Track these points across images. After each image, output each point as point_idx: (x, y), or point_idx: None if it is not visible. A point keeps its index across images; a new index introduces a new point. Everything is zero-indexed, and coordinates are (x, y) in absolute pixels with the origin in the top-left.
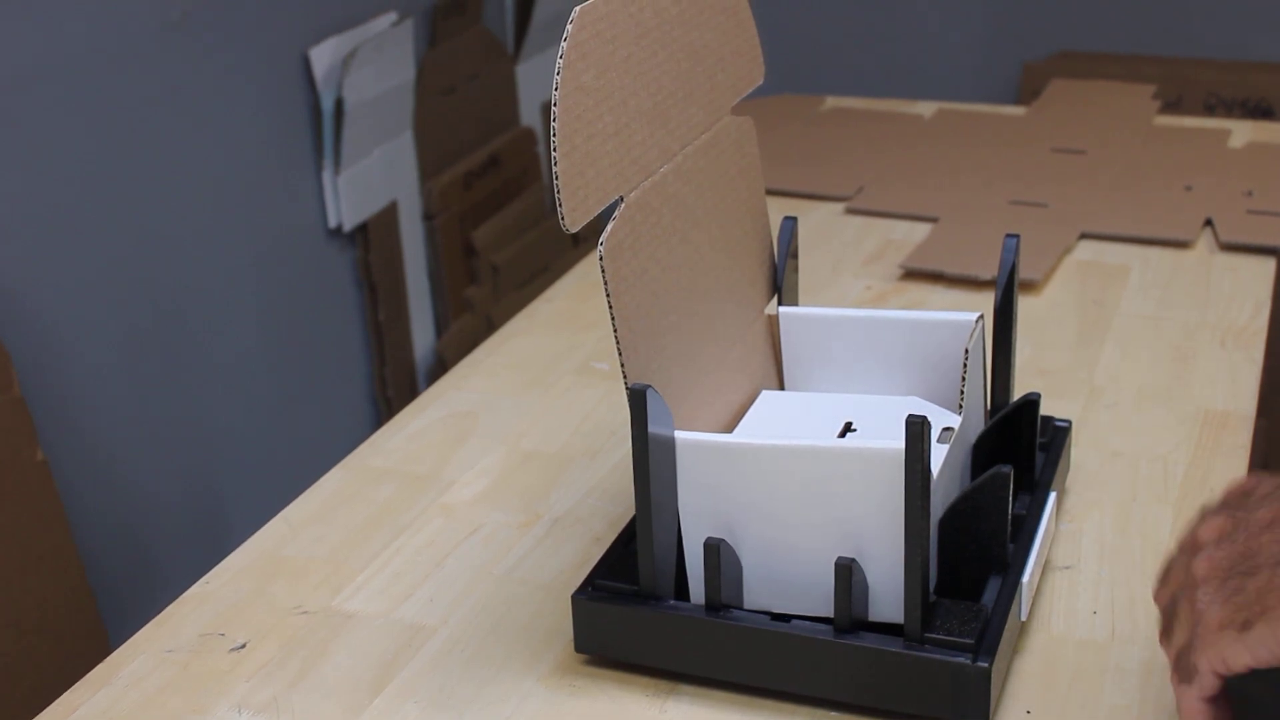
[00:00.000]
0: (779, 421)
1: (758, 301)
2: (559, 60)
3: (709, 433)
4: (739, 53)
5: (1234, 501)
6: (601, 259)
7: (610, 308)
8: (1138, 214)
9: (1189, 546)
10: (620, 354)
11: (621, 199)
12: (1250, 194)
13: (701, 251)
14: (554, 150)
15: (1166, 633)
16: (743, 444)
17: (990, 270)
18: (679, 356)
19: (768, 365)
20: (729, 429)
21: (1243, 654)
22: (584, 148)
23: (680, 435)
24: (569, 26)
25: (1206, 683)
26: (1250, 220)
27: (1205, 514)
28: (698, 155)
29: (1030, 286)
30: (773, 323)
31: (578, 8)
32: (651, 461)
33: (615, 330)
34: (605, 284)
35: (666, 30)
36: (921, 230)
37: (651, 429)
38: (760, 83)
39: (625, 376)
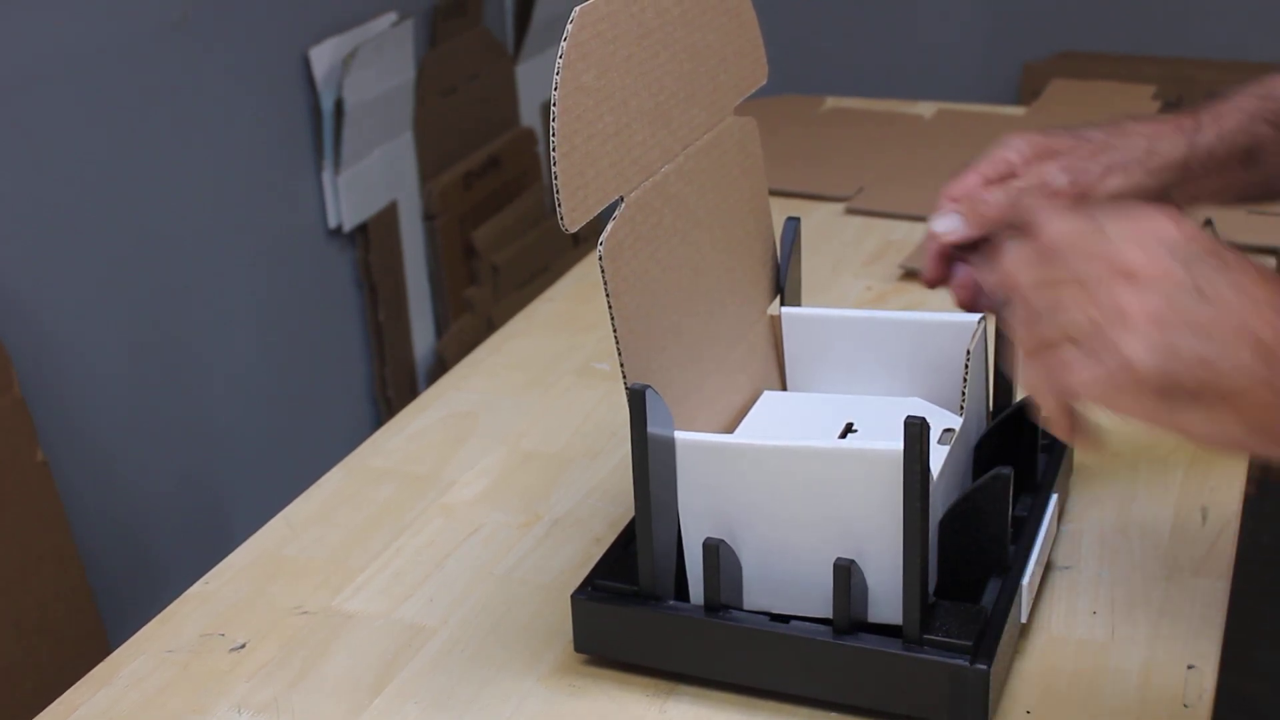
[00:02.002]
0: (780, 422)
1: (760, 302)
2: (559, 60)
3: (709, 433)
4: (741, 53)
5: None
6: (601, 259)
7: (610, 308)
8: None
9: (1106, 264)
10: (620, 354)
11: (622, 199)
12: None
13: (703, 252)
14: (554, 150)
15: (1031, 318)
16: (743, 444)
17: None
18: (679, 357)
19: (769, 365)
20: (730, 429)
21: (1138, 412)
22: (584, 148)
23: (680, 435)
24: (569, 26)
25: (1077, 400)
26: (1250, 220)
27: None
28: (700, 155)
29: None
30: (775, 323)
31: (578, 8)
32: (651, 462)
33: (615, 330)
34: (605, 284)
35: (668, 30)
36: (921, 230)
37: (651, 429)
38: (763, 83)
39: (625, 377)
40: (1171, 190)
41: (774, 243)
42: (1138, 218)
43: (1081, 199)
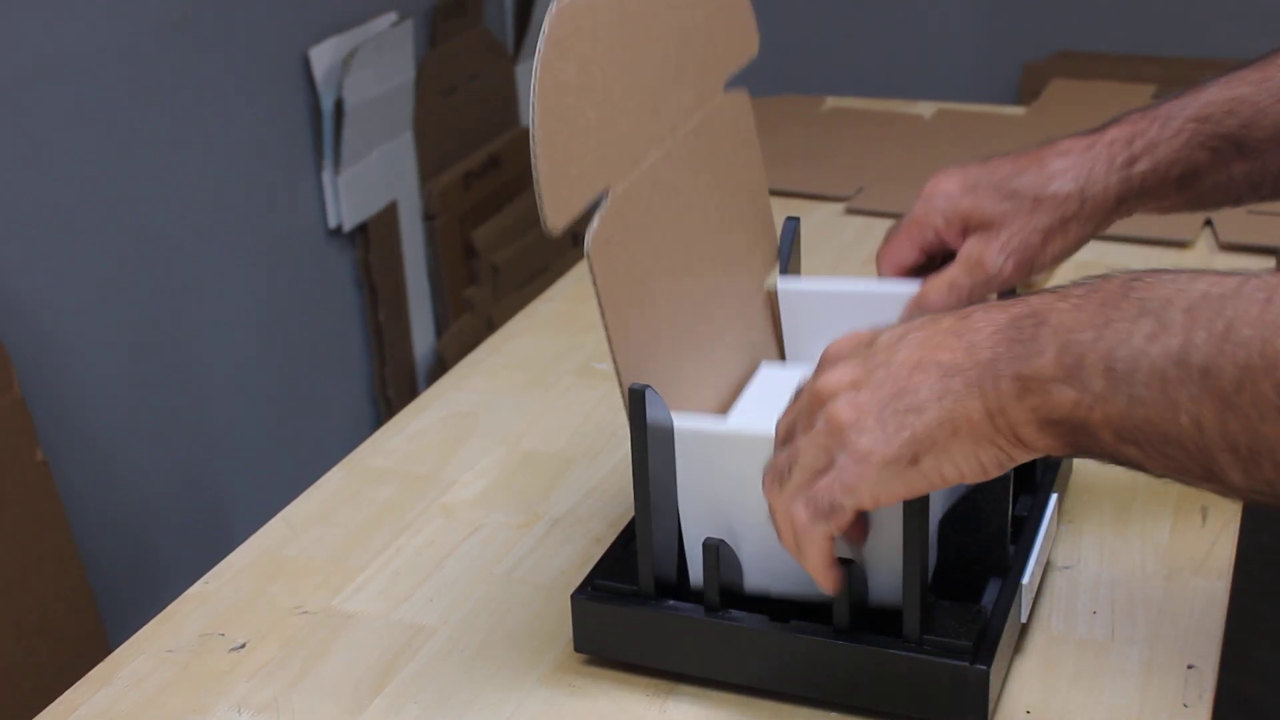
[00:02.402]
0: (777, 396)
1: (758, 274)
2: (536, 59)
3: (707, 413)
4: (731, 27)
5: (855, 351)
6: (588, 255)
7: (600, 303)
8: (1137, 219)
9: (815, 397)
10: (612, 351)
11: (608, 192)
12: None
13: (696, 234)
14: (534, 153)
15: (780, 479)
16: (738, 432)
17: None
18: (674, 344)
19: (768, 339)
20: (729, 404)
21: (900, 489)
22: (565, 147)
23: (678, 424)
24: (545, 23)
25: (845, 518)
26: (1250, 220)
27: (823, 366)
28: (690, 137)
29: (1030, 287)
30: (772, 297)
31: (555, 3)
32: (651, 462)
33: (606, 326)
34: (594, 280)
35: (652, 13)
36: None
37: (651, 422)
38: (754, 54)
39: (618, 372)
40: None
41: (770, 216)
42: (824, 353)
43: (1025, 273)
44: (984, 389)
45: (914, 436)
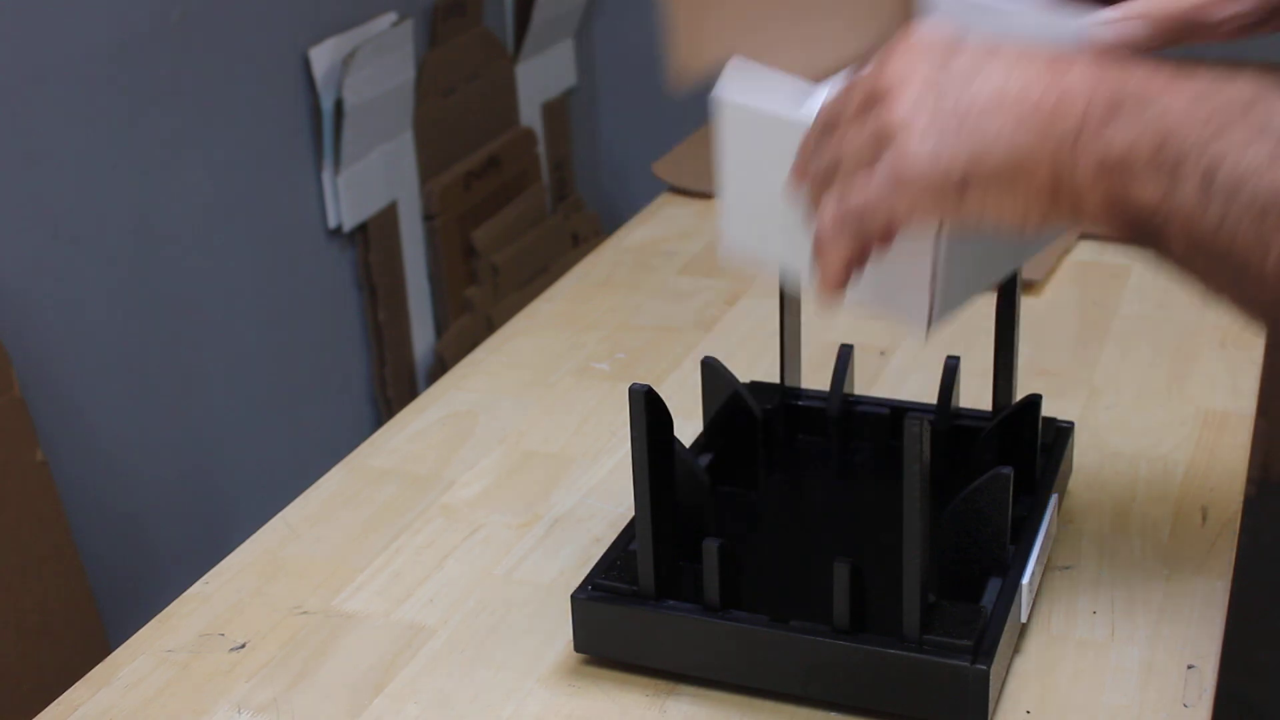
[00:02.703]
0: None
1: None
2: None
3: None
4: None
5: (934, 53)
6: None
7: None
8: None
9: (875, 88)
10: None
11: None
12: None
13: None
14: None
15: (813, 169)
16: (778, 115)
17: None
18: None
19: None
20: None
21: (936, 209)
22: None
23: (725, 94)
24: None
25: (874, 226)
26: None
27: (894, 54)
28: None
29: (1030, 287)
30: None
31: None
32: (651, 462)
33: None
34: None
35: None
36: None
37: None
38: None
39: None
40: None
41: None
42: (902, 39)
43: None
44: (1061, 153)
45: (971, 162)
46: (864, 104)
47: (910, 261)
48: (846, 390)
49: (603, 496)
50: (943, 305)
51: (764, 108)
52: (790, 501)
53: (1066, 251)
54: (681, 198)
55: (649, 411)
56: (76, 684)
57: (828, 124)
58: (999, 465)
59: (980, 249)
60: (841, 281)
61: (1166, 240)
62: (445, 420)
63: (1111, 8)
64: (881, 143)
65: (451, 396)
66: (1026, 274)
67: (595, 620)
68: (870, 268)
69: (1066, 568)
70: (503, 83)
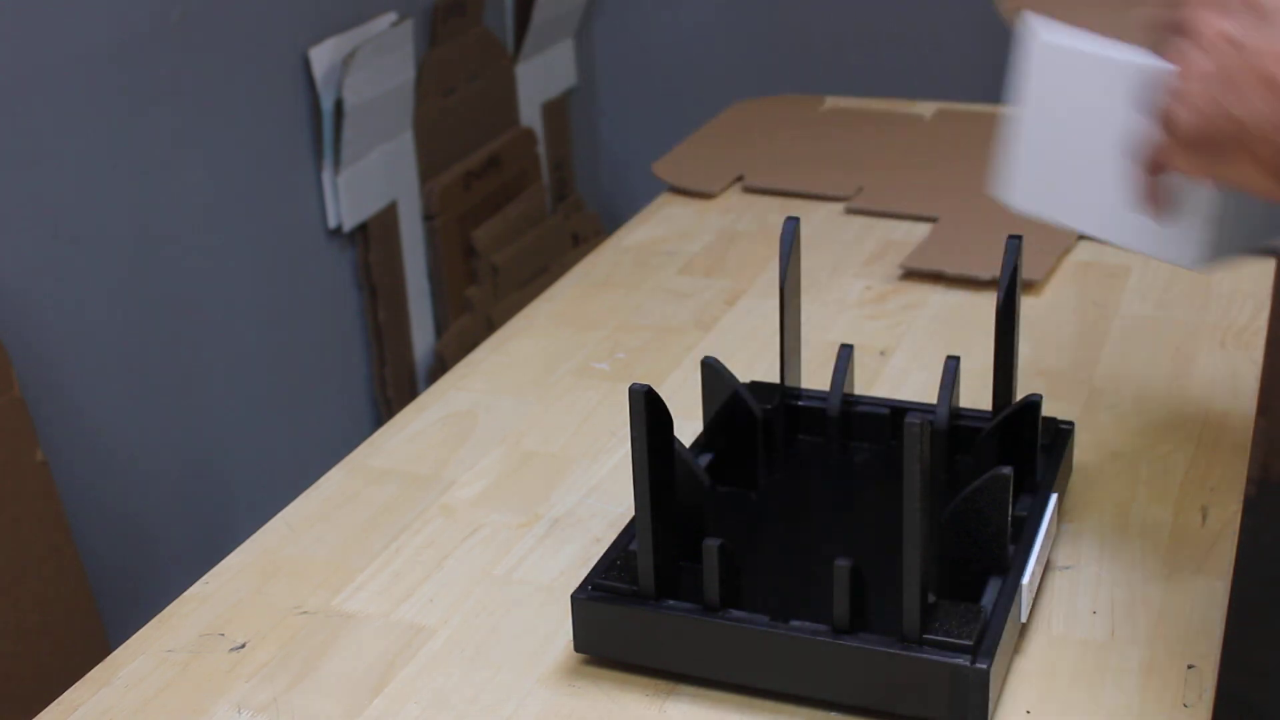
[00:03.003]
0: None
1: None
2: None
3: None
4: None
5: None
6: None
7: None
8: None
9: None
10: None
11: None
12: None
13: None
14: None
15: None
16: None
17: (990, 270)
18: None
19: None
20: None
21: None
22: None
23: (1042, 34)
24: None
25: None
26: None
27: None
28: None
29: (1030, 287)
30: None
31: None
32: (651, 462)
33: None
34: None
35: None
36: (921, 230)
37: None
38: None
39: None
40: None
41: None
42: None
43: None
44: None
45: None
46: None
47: (1190, 204)
48: (846, 390)
49: (603, 496)
50: (1216, 250)
51: (1096, 51)
52: (790, 501)
53: (1066, 251)
54: (681, 198)
55: (649, 411)
56: (76, 684)
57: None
58: (999, 465)
59: (1258, 206)
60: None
61: None
62: (445, 420)
63: None
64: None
65: (451, 396)
66: (1027, 274)
67: (595, 620)
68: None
69: (1066, 568)
70: (503, 83)
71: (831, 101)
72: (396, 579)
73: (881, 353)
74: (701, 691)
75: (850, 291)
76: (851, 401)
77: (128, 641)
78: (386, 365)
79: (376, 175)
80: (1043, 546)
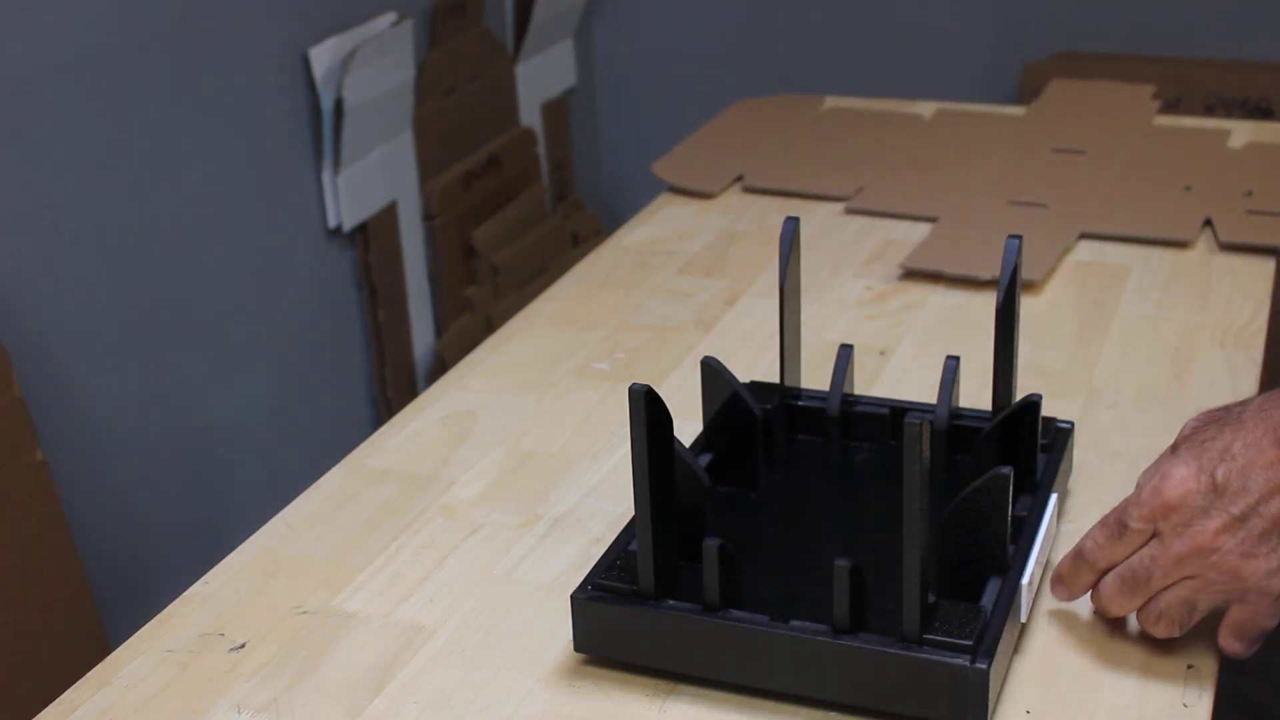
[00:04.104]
0: None
1: None
2: None
3: None
4: None
5: (1207, 499)
6: None
7: None
8: (1137, 214)
9: (1194, 549)
10: None
11: None
12: (1250, 194)
13: None
14: None
15: (1137, 585)
16: None
17: (990, 270)
18: None
19: None
20: None
21: None
22: None
23: None
24: None
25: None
26: (1250, 220)
27: (1175, 512)
28: None
29: (1030, 287)
30: None
31: None
32: (651, 462)
33: None
34: None
35: None
36: (921, 230)
37: None
38: None
39: None
40: None
41: None
42: (1164, 497)
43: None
44: None
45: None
46: (1182, 558)
47: None
48: (846, 390)
49: (603, 496)
50: None
51: None
52: (790, 501)
53: (1067, 251)
54: (681, 198)
55: (649, 411)
56: (76, 684)
57: (1131, 545)
58: (999, 465)
59: None
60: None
61: None
62: (445, 420)
63: None
64: (1234, 586)
65: (451, 396)
66: (1026, 273)
67: (595, 620)
68: None
69: None
70: (503, 83)
71: (831, 101)
72: (396, 579)
73: (881, 353)
74: (701, 691)
75: (850, 291)
76: (851, 401)
77: (128, 641)
78: (386, 365)
79: (376, 175)
80: (1043, 546)
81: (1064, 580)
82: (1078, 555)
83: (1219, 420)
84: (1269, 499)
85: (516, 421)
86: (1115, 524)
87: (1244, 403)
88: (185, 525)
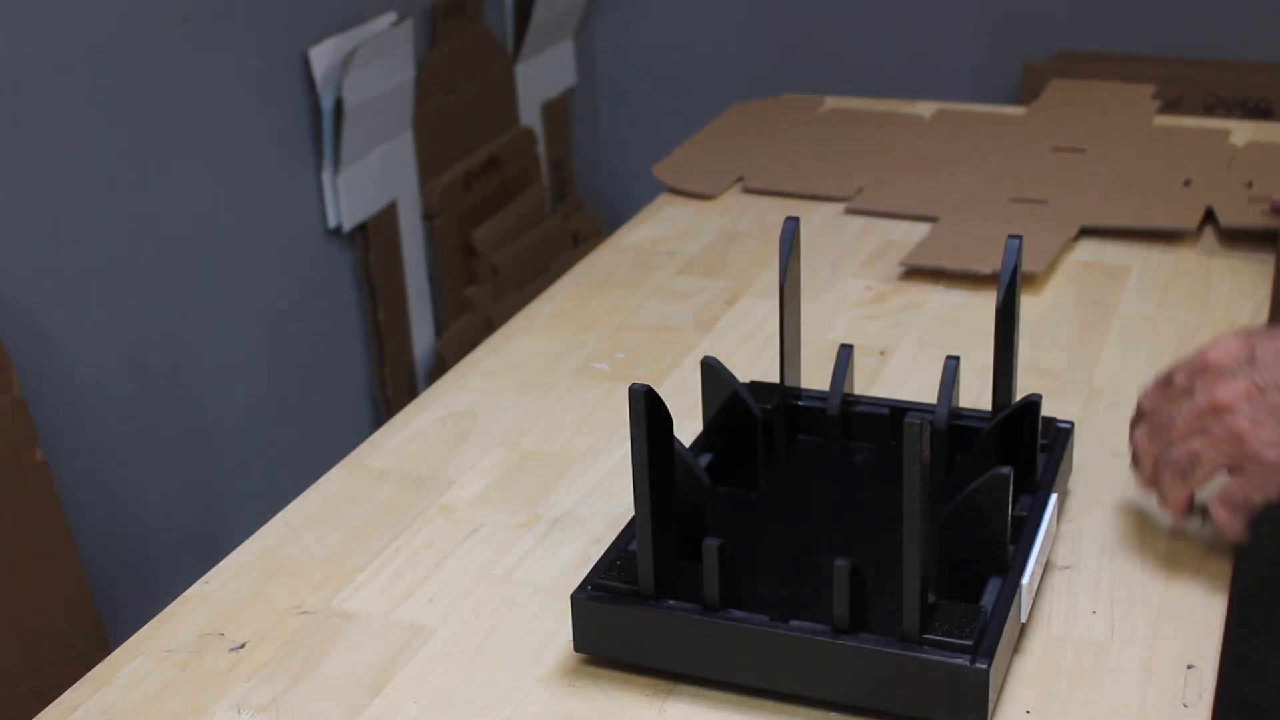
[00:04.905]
0: None
1: None
2: None
3: None
4: None
5: (1238, 365)
6: None
7: None
8: (1138, 206)
9: (1212, 406)
10: None
11: None
12: (1250, 185)
13: None
14: None
15: (1167, 460)
16: None
17: (991, 264)
18: None
19: None
20: None
21: None
22: None
23: None
24: None
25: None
26: (1251, 207)
27: (1208, 374)
28: None
29: (1031, 282)
30: None
31: None
32: (651, 462)
33: None
34: None
35: None
36: (921, 230)
37: None
38: None
39: None
40: None
41: None
42: (1205, 361)
43: None
44: None
45: None
46: (1202, 415)
47: None
48: (846, 390)
49: (603, 496)
50: None
51: None
52: (790, 501)
53: (1068, 245)
54: (681, 198)
55: (649, 411)
56: (76, 684)
57: (1164, 424)
58: (999, 465)
59: None
60: (1185, 509)
61: None
62: (445, 420)
63: None
64: (1239, 452)
65: (451, 396)
66: (1028, 267)
67: (595, 620)
68: None
69: (1066, 568)
70: (503, 83)
71: (831, 101)
72: (396, 579)
73: (881, 353)
74: (701, 691)
75: (850, 291)
76: (851, 401)
77: (128, 641)
78: (386, 365)
79: (376, 175)
80: (1043, 546)
81: (1131, 428)
82: (1137, 407)
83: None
84: None
85: (516, 421)
86: (1164, 379)
87: None
88: (185, 525)
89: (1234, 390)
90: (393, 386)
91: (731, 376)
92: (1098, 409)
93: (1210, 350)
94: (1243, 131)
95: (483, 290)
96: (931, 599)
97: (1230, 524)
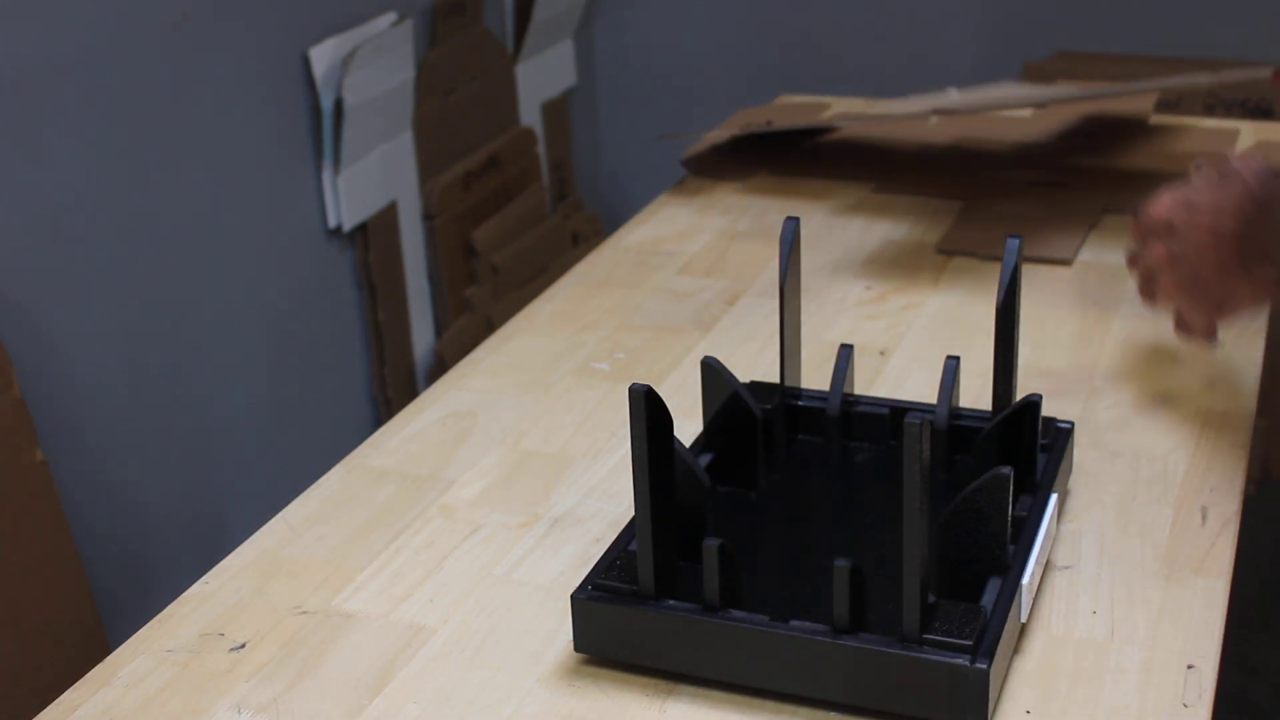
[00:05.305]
0: None
1: None
2: None
3: None
4: None
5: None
6: None
7: None
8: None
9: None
10: None
11: None
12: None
13: None
14: None
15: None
16: None
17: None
18: None
19: None
20: None
21: None
22: None
23: None
24: None
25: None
26: None
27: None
28: None
29: (1061, 264)
30: None
31: None
32: (651, 462)
33: None
34: None
35: None
36: (922, 230)
37: None
38: None
39: None
40: None
41: None
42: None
43: None
44: None
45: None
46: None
47: None
48: (846, 390)
49: (603, 496)
50: None
51: None
52: (790, 501)
53: (1093, 225)
54: (681, 198)
55: (649, 411)
56: (76, 684)
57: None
58: (999, 465)
59: None
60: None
61: None
62: (445, 420)
63: None
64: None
65: (451, 396)
66: (1058, 254)
67: (595, 620)
68: None
69: (1066, 568)
70: (503, 83)
71: (831, 101)
72: (396, 579)
73: (881, 353)
74: (701, 691)
75: (850, 291)
76: (851, 401)
77: (128, 641)
78: (386, 365)
79: (376, 175)
80: (1043, 546)
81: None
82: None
83: None
84: (1272, 206)
85: (516, 421)
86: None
87: None
88: (185, 525)
89: (1157, 254)
90: (393, 386)
91: (731, 376)
92: (1098, 409)
93: (1238, 154)
94: (1243, 132)
95: (483, 290)
96: (931, 599)
97: (1199, 334)
